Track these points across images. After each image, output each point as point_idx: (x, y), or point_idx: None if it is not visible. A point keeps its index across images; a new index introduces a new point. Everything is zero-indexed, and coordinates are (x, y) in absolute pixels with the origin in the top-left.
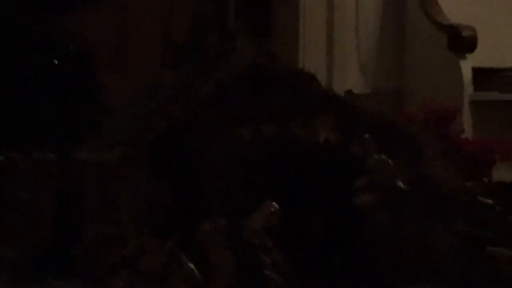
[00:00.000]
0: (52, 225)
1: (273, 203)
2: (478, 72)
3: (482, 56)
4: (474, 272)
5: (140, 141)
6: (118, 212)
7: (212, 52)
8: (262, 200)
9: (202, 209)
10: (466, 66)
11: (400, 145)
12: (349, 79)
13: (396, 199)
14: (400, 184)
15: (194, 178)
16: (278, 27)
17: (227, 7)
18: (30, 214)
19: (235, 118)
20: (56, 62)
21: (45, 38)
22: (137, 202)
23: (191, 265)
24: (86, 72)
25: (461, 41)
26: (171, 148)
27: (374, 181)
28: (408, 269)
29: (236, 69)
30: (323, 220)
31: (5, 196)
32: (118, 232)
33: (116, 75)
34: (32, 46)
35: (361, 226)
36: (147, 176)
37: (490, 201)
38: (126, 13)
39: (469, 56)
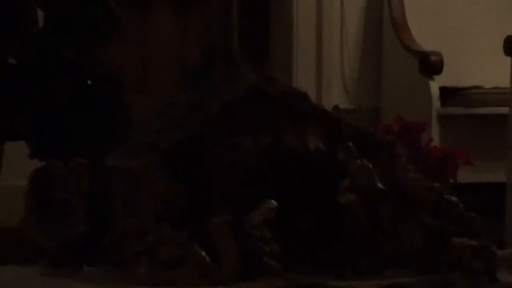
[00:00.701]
0: (85, 220)
1: (272, 200)
2: (444, 91)
3: (448, 77)
4: (441, 259)
5: (159, 150)
6: (141, 209)
7: (219, 76)
8: (261, 199)
9: (211, 206)
10: (434, 86)
11: (378, 152)
12: (335, 97)
13: (375, 198)
14: (378, 185)
15: (204, 181)
16: (275, 53)
17: (232, 37)
18: (68, 211)
19: (238, 131)
20: (89, 83)
21: (80, 65)
22: (157, 201)
23: (203, 253)
24: (114, 93)
25: (430, 65)
26: (185, 155)
27: (356, 183)
28: (385, 257)
29: (239, 90)
30: (313, 216)
31: (47, 196)
32: (140, 226)
33: (139, 95)
34: (70, 71)
35: (345, 221)
36: (165, 179)
37: (454, 199)
38: (147, 43)
39: (437, 77)
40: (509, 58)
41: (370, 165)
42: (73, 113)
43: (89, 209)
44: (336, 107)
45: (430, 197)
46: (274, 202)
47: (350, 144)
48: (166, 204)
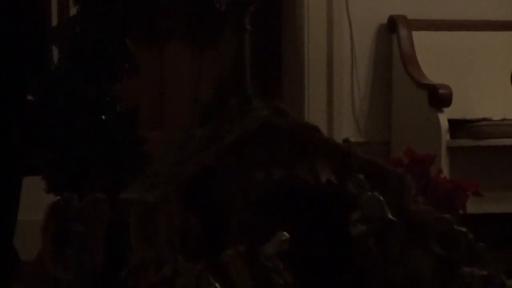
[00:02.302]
0: (103, 253)
1: (284, 232)
2: (453, 123)
3: (457, 109)
4: None
5: (175, 183)
6: (157, 241)
7: (233, 111)
8: (274, 230)
9: (226, 238)
10: (443, 118)
11: (388, 184)
12: (346, 130)
13: (385, 229)
14: (389, 216)
15: (219, 213)
16: (287, 87)
17: (245, 73)
18: (85, 244)
19: (251, 163)
20: (105, 118)
21: (99, 101)
22: (173, 232)
23: (218, 285)
24: (131, 128)
25: (439, 98)
26: (200, 188)
27: (367, 214)
28: (394, 285)
29: (252, 124)
30: (325, 247)
31: (64, 229)
32: (157, 258)
33: (155, 130)
34: (87, 107)
35: (356, 251)
36: (181, 211)
37: (464, 229)
38: (163, 79)
39: (446, 110)
40: None
41: (380, 197)
42: (90, 148)
43: (106, 242)
44: (346, 140)
45: (440, 227)
46: (287, 234)
47: (361, 176)
48: (182, 235)
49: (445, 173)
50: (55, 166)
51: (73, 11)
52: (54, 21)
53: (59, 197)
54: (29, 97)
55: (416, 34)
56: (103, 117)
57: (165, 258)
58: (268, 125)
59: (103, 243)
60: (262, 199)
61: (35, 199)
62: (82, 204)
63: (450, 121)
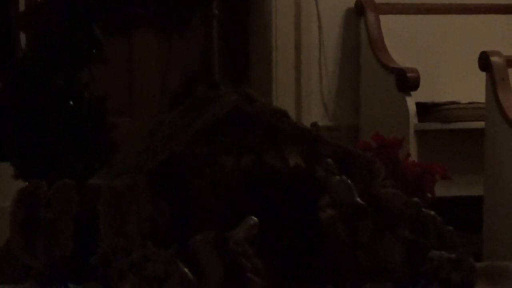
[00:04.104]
0: (72, 240)
1: (253, 217)
2: (421, 106)
3: (425, 93)
4: (420, 272)
5: (144, 170)
6: (126, 228)
7: (201, 98)
8: (243, 216)
9: (195, 225)
10: (411, 101)
11: (356, 169)
12: (314, 115)
13: (354, 214)
14: (358, 200)
15: (187, 199)
16: (255, 73)
17: (212, 60)
18: (54, 231)
19: (219, 150)
20: (73, 106)
21: (67, 88)
22: (142, 219)
23: (186, 270)
24: (100, 115)
25: (407, 81)
26: (169, 175)
27: (335, 199)
28: (364, 272)
29: (220, 111)
30: (294, 232)
31: (33, 216)
32: (126, 245)
33: (123, 117)
34: (55, 94)
35: (325, 236)
36: (149, 198)
37: (432, 213)
38: (132, 67)
39: (413, 93)
40: (484, 73)
41: (349, 181)
42: (58, 135)
43: (75, 229)
44: (315, 124)
45: (408, 211)
46: (255, 219)
47: (330, 160)
48: (151, 222)
49: (414, 156)
50: (24, 153)
51: None
52: (22, 7)
53: (27, 183)
54: None
55: (383, 18)
56: (71, 104)
57: (134, 244)
58: (236, 111)
59: (72, 230)
60: (231, 186)
61: (3, 185)
62: (50, 190)
63: (418, 104)
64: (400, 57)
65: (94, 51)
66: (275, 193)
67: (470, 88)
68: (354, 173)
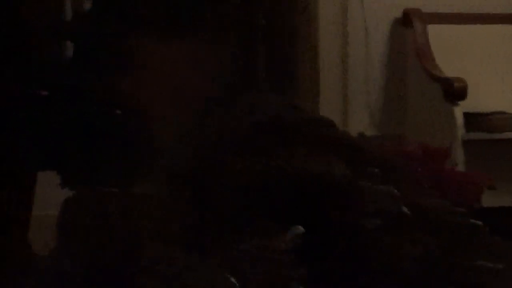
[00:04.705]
0: (113, 248)
1: (299, 226)
2: (468, 116)
3: (472, 103)
4: (465, 283)
5: (186, 178)
6: (168, 237)
7: (244, 105)
8: (287, 225)
9: (236, 233)
10: (458, 111)
11: (401, 178)
12: (361, 124)
13: (399, 223)
14: (404, 209)
15: (228, 207)
16: (302, 82)
17: (256, 66)
18: (93, 238)
19: (261, 158)
20: (113, 114)
21: (106, 96)
22: (184, 228)
23: (232, 279)
24: (139, 123)
25: (454, 91)
26: (210, 182)
27: (380, 208)
28: (407, 281)
29: (262, 118)
30: (337, 241)
31: (78, 224)
32: (168, 253)
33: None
34: (99, 103)
35: (369, 245)
36: (193, 206)
37: (478, 222)
38: (171, 72)
39: (461, 103)
40: None
41: (395, 191)
42: (101, 143)
43: (117, 237)
44: (362, 134)
45: (453, 221)
46: (301, 228)
47: (375, 170)
48: (193, 231)
49: (460, 166)
50: (69, 161)
51: (87, 6)
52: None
53: (73, 191)
54: (43, 92)
55: (431, 28)
56: (113, 112)
57: (177, 253)
58: (279, 119)
59: (114, 238)
60: (275, 194)
61: (49, 193)
62: (93, 198)
63: (465, 114)
64: (447, 67)
65: (134, 59)
66: (319, 201)
67: None
68: (398, 182)
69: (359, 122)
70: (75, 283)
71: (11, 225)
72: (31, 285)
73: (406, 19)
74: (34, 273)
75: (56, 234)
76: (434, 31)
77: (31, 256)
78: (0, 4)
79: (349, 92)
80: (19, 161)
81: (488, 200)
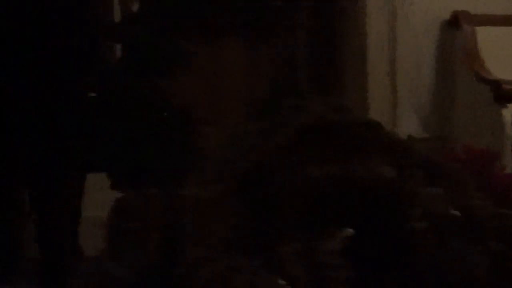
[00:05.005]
0: (158, 250)
1: (348, 229)
2: None
3: None
4: (509, 285)
5: (231, 180)
6: (212, 237)
7: (288, 107)
8: (331, 227)
9: (281, 234)
10: (507, 113)
11: (447, 180)
12: (409, 126)
13: (446, 225)
14: (451, 212)
15: (274, 209)
16: (350, 83)
17: (300, 68)
18: (141, 241)
19: (306, 160)
20: (161, 115)
21: (154, 98)
22: (228, 229)
23: (277, 280)
24: (186, 124)
25: (503, 93)
26: (255, 184)
27: (427, 210)
28: (453, 283)
29: (307, 121)
30: (383, 243)
31: (124, 226)
32: (212, 254)
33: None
34: (146, 104)
35: (415, 248)
36: (236, 208)
37: None
38: (217, 75)
39: (510, 105)
40: None
41: (442, 193)
42: (147, 145)
43: (163, 238)
44: (410, 137)
45: (499, 223)
46: (351, 230)
47: (421, 172)
48: (237, 232)
49: (509, 168)
50: (117, 163)
51: (135, 8)
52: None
53: (123, 193)
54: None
55: (479, 30)
56: (159, 114)
57: (221, 254)
58: (324, 121)
59: (158, 240)
60: (318, 196)
61: (98, 195)
62: (142, 200)
63: None
64: (496, 69)
65: (180, 61)
66: (364, 204)
67: None
68: (445, 184)
69: (408, 124)
70: (123, 284)
71: (61, 226)
72: (80, 286)
73: (455, 21)
74: (83, 275)
75: (106, 235)
76: (483, 33)
77: (81, 257)
78: (51, 7)
79: (397, 94)
80: (69, 163)
81: None
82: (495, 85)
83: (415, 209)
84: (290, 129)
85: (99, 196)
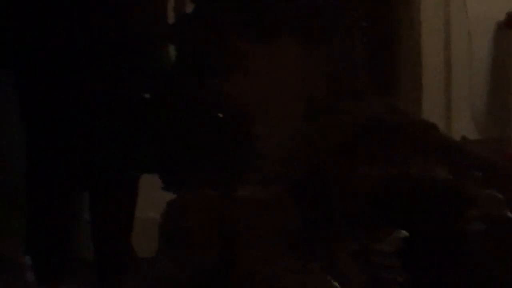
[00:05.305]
0: (215, 250)
1: (402, 230)
2: None
3: None
4: None
5: (287, 181)
6: (269, 238)
7: (344, 108)
8: (387, 228)
9: (338, 235)
10: None
11: (504, 182)
12: (464, 128)
13: (503, 227)
14: (508, 214)
15: (331, 211)
16: (404, 84)
17: (357, 69)
18: (197, 242)
19: (362, 161)
20: (217, 116)
21: (210, 98)
22: (285, 229)
23: (333, 282)
24: (242, 125)
25: None
26: (312, 185)
27: (484, 212)
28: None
29: (363, 121)
30: (440, 245)
31: (179, 227)
32: (269, 255)
33: (266, 127)
34: (201, 106)
35: (470, 249)
36: (293, 208)
37: None
38: (273, 75)
39: None
40: None
41: (499, 195)
42: (203, 145)
43: (218, 240)
44: (464, 138)
45: None
46: (405, 232)
47: (478, 174)
48: (293, 233)
49: None
50: (172, 164)
51: (188, 9)
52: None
53: (175, 195)
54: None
55: None
56: (215, 114)
57: (278, 255)
58: (381, 122)
59: (215, 241)
60: (375, 197)
61: (151, 197)
62: (195, 201)
63: None
64: None
65: (237, 61)
66: (420, 205)
67: None
68: (501, 186)
69: (462, 126)
70: (179, 285)
71: (115, 228)
72: (136, 286)
73: (509, 22)
74: (137, 275)
75: (161, 236)
76: None
77: (135, 258)
78: (107, 8)
79: (452, 96)
80: (123, 164)
81: None
82: None
83: (472, 211)
84: (347, 130)
85: (150, 197)
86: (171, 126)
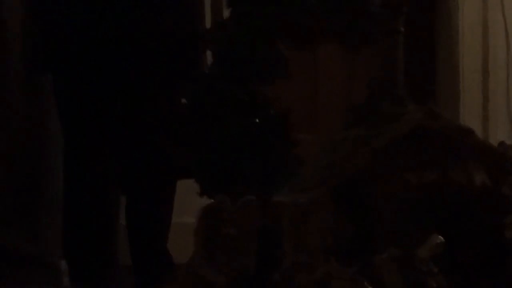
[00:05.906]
0: (255, 256)
1: (439, 236)
2: None
3: None
4: None
5: (328, 186)
6: (309, 245)
7: (385, 114)
8: (427, 234)
9: (378, 241)
10: None
11: None
12: (502, 133)
13: None
14: None
15: (371, 216)
16: (441, 89)
17: (397, 74)
18: (237, 247)
19: (403, 167)
20: (257, 121)
21: (251, 104)
22: (325, 236)
23: (367, 285)
24: (283, 131)
25: None
26: (352, 191)
27: None
28: None
29: (404, 128)
30: (477, 251)
31: (216, 232)
32: (309, 261)
33: (307, 132)
34: (241, 110)
35: (509, 255)
36: (333, 214)
37: None
38: (314, 81)
39: None
40: None
41: None
42: (242, 151)
43: (258, 245)
44: (502, 144)
45: None
46: (441, 237)
47: None
48: (334, 239)
49: None
50: (208, 169)
51: (226, 13)
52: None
53: (212, 200)
54: (183, 100)
55: None
56: (255, 120)
57: (318, 261)
58: (421, 128)
59: (255, 246)
60: (415, 202)
61: (188, 201)
62: (234, 207)
63: None
64: None
65: (278, 66)
66: (459, 211)
67: None
68: None
69: (501, 131)
70: None
71: (151, 232)
72: None
73: None
74: (173, 282)
75: (199, 242)
76: None
77: (172, 264)
78: (146, 14)
79: (490, 100)
80: (160, 169)
81: None
82: None
83: (509, 216)
84: (387, 136)
85: (184, 201)
86: (207, 130)
